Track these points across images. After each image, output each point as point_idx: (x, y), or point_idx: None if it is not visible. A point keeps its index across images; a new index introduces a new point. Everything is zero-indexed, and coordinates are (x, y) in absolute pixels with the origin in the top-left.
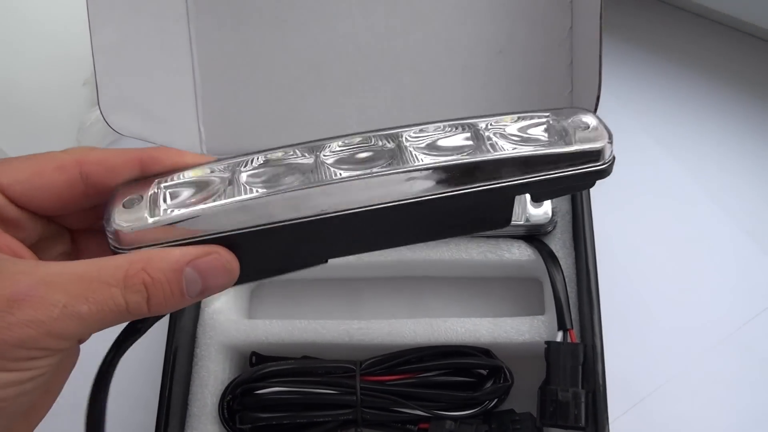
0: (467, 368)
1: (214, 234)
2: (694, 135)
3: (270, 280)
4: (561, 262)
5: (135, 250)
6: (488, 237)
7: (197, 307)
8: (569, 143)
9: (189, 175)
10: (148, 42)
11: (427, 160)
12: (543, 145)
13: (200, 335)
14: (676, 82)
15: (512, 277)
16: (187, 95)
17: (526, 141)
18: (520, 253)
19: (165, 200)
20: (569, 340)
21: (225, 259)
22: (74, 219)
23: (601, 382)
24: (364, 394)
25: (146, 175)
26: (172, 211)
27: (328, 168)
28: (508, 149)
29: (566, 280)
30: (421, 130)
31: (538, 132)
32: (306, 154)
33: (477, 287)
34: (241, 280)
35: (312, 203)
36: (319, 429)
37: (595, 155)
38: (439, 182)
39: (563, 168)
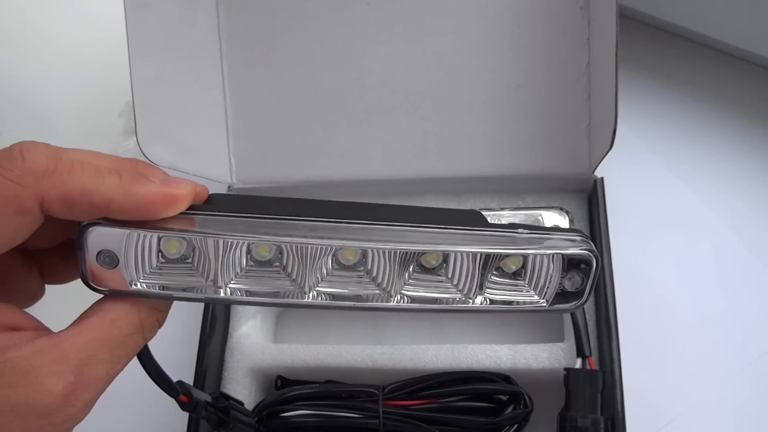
0: (488, 394)
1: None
2: (710, 166)
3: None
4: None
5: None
6: None
7: (225, 332)
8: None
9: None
10: (184, 78)
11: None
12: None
13: (228, 359)
14: (692, 115)
15: None
16: (219, 128)
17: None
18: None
19: (141, 259)
20: (588, 367)
21: None
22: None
23: (620, 408)
24: (387, 418)
25: (115, 220)
26: (151, 287)
27: None
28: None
29: (585, 308)
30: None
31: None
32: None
33: (497, 315)
34: None
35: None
36: None
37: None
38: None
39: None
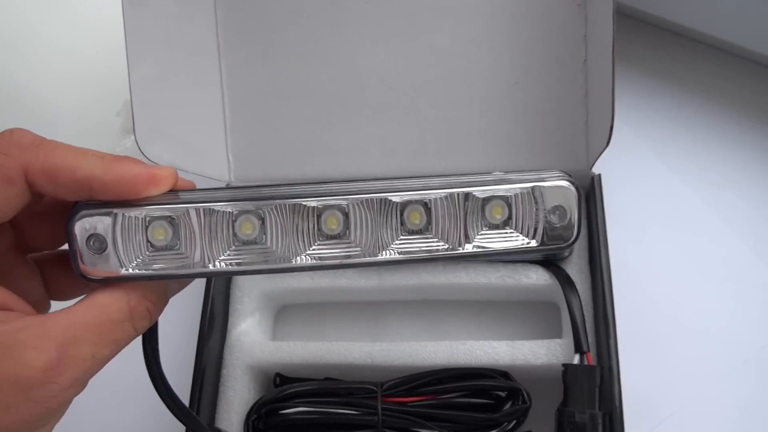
0: (486, 390)
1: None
2: (707, 163)
3: (294, 304)
4: (577, 287)
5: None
6: (506, 262)
7: (223, 330)
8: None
9: (149, 210)
10: (182, 76)
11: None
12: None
13: (227, 356)
14: (689, 112)
15: (530, 301)
16: (217, 126)
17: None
18: (537, 277)
19: (130, 245)
20: (586, 363)
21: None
22: (20, 216)
23: (617, 404)
24: (386, 414)
25: (100, 201)
26: (139, 264)
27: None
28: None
29: (583, 304)
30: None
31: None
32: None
33: (495, 311)
34: None
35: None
36: None
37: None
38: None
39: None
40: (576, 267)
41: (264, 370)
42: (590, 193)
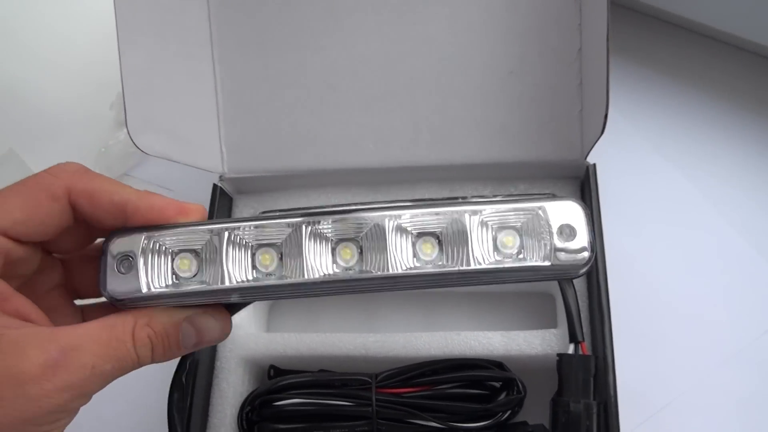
0: (481, 381)
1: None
2: (703, 152)
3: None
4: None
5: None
6: None
7: None
8: (548, 259)
9: (177, 239)
10: (174, 66)
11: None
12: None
13: (220, 348)
14: (685, 102)
15: (524, 292)
16: (210, 117)
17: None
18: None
19: (156, 271)
20: (581, 353)
21: (218, 317)
22: (65, 245)
23: (612, 393)
24: (380, 406)
25: (133, 226)
26: (163, 288)
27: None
28: (482, 263)
29: (578, 294)
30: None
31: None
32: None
33: (490, 301)
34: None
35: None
36: None
37: (573, 271)
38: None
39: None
40: None
41: (258, 362)
42: (585, 183)
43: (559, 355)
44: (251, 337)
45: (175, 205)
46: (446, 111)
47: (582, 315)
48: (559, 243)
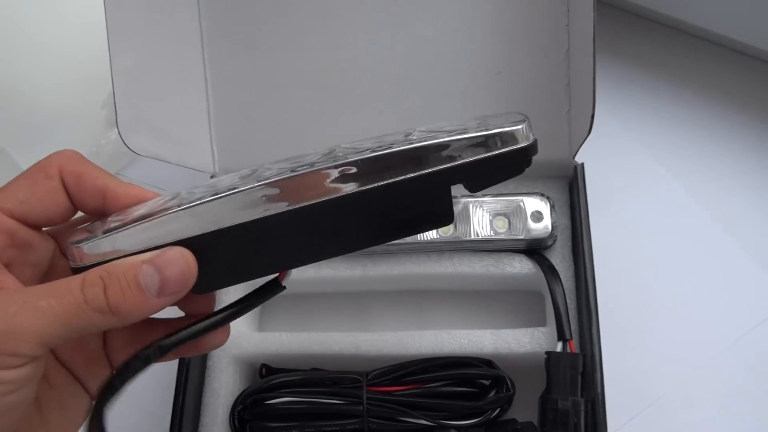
0: (470, 379)
1: (166, 243)
2: (692, 153)
3: (279, 294)
4: (561, 275)
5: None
6: (490, 251)
7: None
8: (486, 128)
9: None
10: (165, 66)
11: (352, 158)
12: (459, 133)
13: None
14: (673, 102)
15: (514, 290)
16: (200, 116)
17: (446, 132)
18: (521, 266)
19: (116, 220)
20: (569, 351)
21: (178, 252)
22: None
23: (599, 390)
24: (371, 404)
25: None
26: (124, 227)
27: (264, 170)
28: (427, 140)
29: (566, 292)
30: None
31: (457, 127)
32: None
33: (480, 300)
34: (205, 286)
35: (251, 204)
36: None
37: (510, 135)
38: (364, 175)
39: (482, 153)
40: (559, 255)
41: (250, 360)
42: (573, 182)
43: (547, 353)
44: (243, 335)
45: (152, 194)
46: (435, 111)
47: (570, 313)
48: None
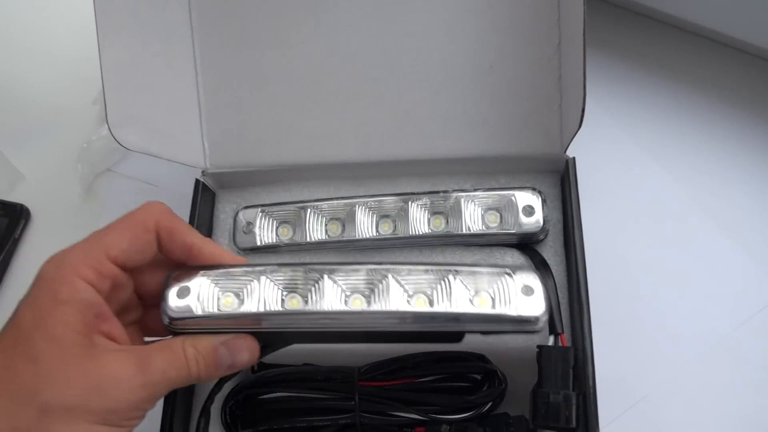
0: (463, 373)
1: (240, 329)
2: (683, 146)
3: None
4: (552, 269)
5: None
6: (482, 246)
7: None
8: (509, 310)
9: (227, 278)
10: (155, 60)
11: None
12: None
13: None
14: (665, 96)
15: None
16: (191, 112)
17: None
18: (513, 260)
19: (208, 298)
20: (560, 345)
21: (248, 343)
22: (147, 280)
23: (591, 384)
24: (363, 398)
25: (192, 266)
26: (212, 311)
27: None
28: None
29: (558, 286)
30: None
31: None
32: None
33: None
34: (263, 353)
35: (311, 324)
36: None
37: (531, 324)
38: (407, 322)
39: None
40: (551, 250)
41: None
42: (565, 176)
43: (539, 346)
44: None
45: (230, 254)
46: (427, 105)
47: (561, 307)
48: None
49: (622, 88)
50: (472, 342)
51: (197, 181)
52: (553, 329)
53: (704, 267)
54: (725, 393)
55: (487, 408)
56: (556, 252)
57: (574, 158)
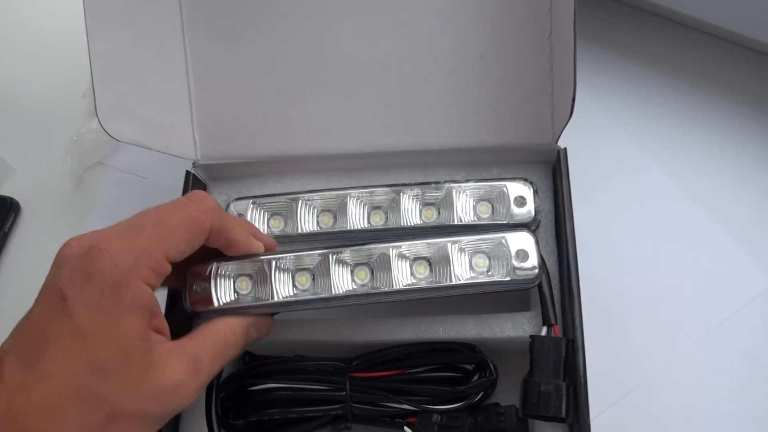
0: (454, 363)
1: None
2: (676, 138)
3: None
4: (544, 260)
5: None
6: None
7: None
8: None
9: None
10: (144, 51)
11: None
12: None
13: None
14: (657, 87)
15: None
16: (182, 103)
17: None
18: None
19: (225, 292)
20: (553, 335)
21: (271, 322)
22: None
23: (581, 374)
24: (354, 389)
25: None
26: (230, 301)
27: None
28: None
29: (550, 277)
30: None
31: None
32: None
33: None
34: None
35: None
36: (310, 424)
37: (527, 283)
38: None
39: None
40: (542, 240)
41: None
42: (556, 167)
43: (531, 336)
44: None
45: (268, 242)
46: (418, 96)
47: (554, 298)
48: (516, 263)
49: (616, 80)
50: (463, 333)
51: (188, 173)
52: (546, 320)
53: (696, 257)
54: (717, 383)
55: (478, 398)
56: (548, 243)
57: (565, 149)
